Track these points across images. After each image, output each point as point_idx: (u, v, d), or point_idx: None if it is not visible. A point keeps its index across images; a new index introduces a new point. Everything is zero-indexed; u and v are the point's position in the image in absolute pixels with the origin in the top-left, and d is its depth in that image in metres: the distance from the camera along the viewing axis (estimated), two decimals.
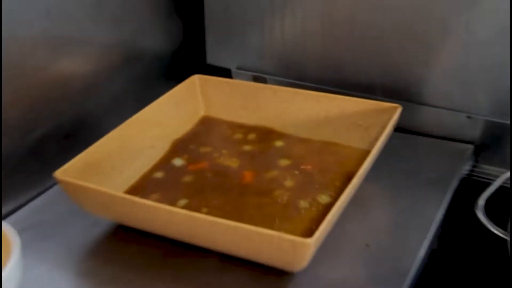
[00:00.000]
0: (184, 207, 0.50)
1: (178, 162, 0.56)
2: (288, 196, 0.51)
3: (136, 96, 0.67)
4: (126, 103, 0.65)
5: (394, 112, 0.55)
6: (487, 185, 0.52)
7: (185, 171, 0.55)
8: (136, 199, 0.45)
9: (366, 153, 0.54)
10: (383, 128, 0.54)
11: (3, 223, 0.43)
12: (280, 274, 0.45)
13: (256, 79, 0.71)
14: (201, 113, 0.64)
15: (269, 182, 0.53)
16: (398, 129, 0.57)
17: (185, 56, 0.74)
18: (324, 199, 0.50)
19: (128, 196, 0.45)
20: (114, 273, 0.47)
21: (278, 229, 0.45)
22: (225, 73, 0.72)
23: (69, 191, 0.48)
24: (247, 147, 0.58)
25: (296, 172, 0.54)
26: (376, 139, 0.54)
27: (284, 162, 0.55)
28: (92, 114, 0.62)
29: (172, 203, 0.50)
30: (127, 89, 0.66)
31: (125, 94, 0.66)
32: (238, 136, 0.60)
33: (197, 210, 0.47)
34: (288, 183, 0.52)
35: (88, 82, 0.61)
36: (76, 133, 0.60)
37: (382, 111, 0.55)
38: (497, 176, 0.53)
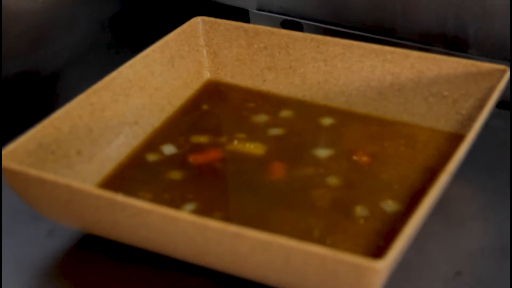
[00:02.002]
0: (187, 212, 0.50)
1: (170, 149, 0.57)
2: (334, 198, 0.51)
3: (111, 47, 0.67)
4: (97, 56, 0.66)
5: (498, 77, 0.54)
6: None
7: (184, 158, 0.56)
8: (118, 197, 0.44)
9: (455, 138, 0.54)
10: (482, 101, 0.54)
11: None
12: None
13: (286, 24, 0.71)
14: (206, 75, 0.64)
15: (307, 177, 0.53)
16: (502, 103, 0.57)
17: None
18: (390, 205, 0.50)
19: (103, 193, 0.45)
20: None
21: (325, 244, 0.46)
22: (241, 15, 0.72)
23: (15, 184, 0.48)
24: (275, 129, 0.59)
25: (347, 163, 0.54)
26: (470, 118, 0.54)
27: (329, 150, 0.56)
28: (45, 71, 0.62)
29: (168, 204, 0.50)
30: (97, 36, 0.66)
31: (94, 43, 0.66)
32: (263, 112, 0.60)
33: (207, 215, 0.47)
34: (334, 180, 0.53)
35: (38, 22, 0.61)
36: (23, 98, 0.60)
37: (480, 76, 0.55)
38: None
